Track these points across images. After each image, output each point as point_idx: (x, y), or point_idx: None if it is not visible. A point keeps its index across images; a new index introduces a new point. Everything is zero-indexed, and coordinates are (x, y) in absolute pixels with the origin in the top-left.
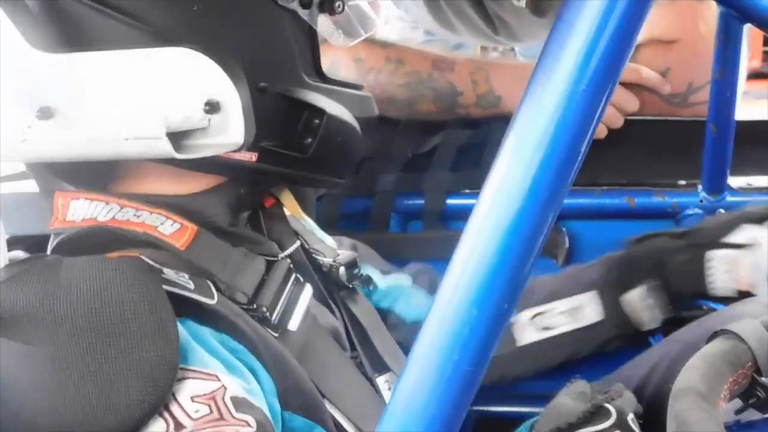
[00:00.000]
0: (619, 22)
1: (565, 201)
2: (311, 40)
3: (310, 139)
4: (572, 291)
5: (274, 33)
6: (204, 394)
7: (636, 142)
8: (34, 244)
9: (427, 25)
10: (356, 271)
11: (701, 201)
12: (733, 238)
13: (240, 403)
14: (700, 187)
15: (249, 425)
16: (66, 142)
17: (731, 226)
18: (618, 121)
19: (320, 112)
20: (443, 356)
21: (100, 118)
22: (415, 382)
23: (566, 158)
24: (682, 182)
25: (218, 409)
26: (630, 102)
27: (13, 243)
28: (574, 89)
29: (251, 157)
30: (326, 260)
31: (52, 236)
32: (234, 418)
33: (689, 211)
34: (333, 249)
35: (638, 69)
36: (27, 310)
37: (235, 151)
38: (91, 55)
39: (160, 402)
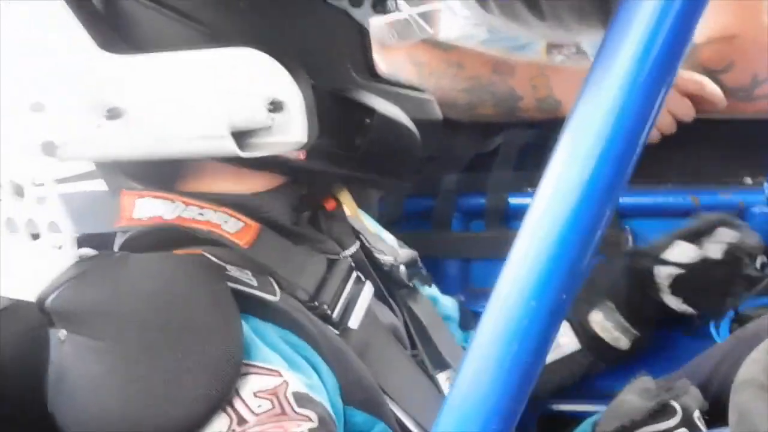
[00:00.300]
0: (676, 17)
1: (629, 199)
2: (363, 39)
3: (360, 139)
4: None
5: (323, 32)
6: (266, 390)
7: (701, 140)
8: (102, 242)
9: (492, 23)
10: (416, 269)
11: None
12: (668, 254)
13: (302, 399)
14: (766, 184)
15: (311, 420)
16: (133, 141)
17: (668, 242)
18: (672, 128)
19: (370, 111)
20: (503, 348)
21: (167, 118)
22: (474, 375)
23: (623, 153)
24: (748, 180)
25: (280, 405)
26: (686, 109)
27: (81, 241)
28: (631, 84)
29: (299, 155)
30: (387, 259)
31: (118, 234)
32: (296, 413)
33: (756, 209)
34: (393, 248)
35: (702, 83)
36: (95, 307)
37: None
38: (158, 56)
39: (224, 397)
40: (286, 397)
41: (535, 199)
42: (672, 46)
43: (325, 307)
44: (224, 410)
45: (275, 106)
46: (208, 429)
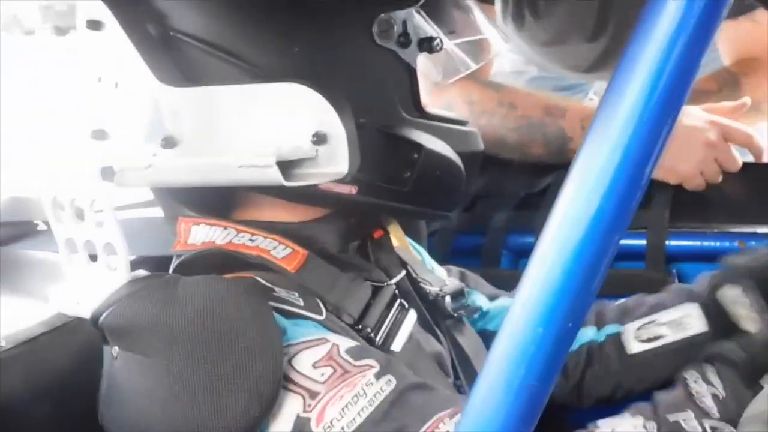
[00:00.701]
0: (680, 58)
1: (676, 242)
2: (410, 77)
3: (409, 173)
4: (674, 302)
5: (372, 72)
6: (322, 358)
7: (750, 186)
8: (158, 266)
9: (536, 61)
10: (463, 301)
11: None
12: None
13: (355, 352)
14: None
15: (372, 366)
16: (187, 169)
17: None
18: (718, 177)
19: (418, 146)
20: (511, 371)
21: (218, 147)
22: (485, 395)
23: (627, 189)
24: None
25: (340, 366)
26: (732, 162)
27: (139, 263)
28: (637, 121)
29: (351, 189)
30: (433, 289)
31: (174, 257)
32: (356, 366)
33: None
34: (441, 279)
35: (752, 136)
36: (146, 324)
37: (337, 182)
38: (211, 89)
39: (264, 415)
40: (341, 357)
41: (544, 232)
42: (675, 88)
43: (369, 330)
44: (292, 391)
45: (319, 138)
46: (283, 411)
